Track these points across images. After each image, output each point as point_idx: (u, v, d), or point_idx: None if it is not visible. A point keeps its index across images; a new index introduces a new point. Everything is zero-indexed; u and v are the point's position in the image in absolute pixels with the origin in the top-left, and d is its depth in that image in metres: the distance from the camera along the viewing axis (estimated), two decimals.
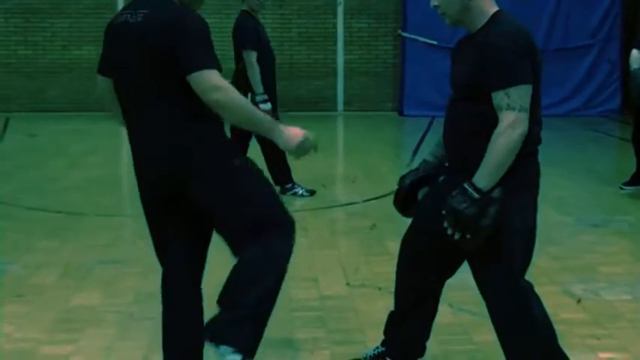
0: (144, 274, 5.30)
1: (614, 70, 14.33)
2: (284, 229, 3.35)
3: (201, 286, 3.60)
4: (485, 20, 3.32)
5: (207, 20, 3.45)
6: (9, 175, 9.02)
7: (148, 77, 3.29)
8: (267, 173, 3.72)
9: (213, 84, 3.17)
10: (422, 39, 14.09)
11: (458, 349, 4.24)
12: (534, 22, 12.96)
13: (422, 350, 3.84)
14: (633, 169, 7.92)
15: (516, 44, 3.22)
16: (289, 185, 7.79)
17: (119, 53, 3.39)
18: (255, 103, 7.10)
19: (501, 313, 3.43)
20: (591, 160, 10.17)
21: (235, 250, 3.33)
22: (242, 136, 6.64)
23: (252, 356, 3.24)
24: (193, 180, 3.31)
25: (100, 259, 5.77)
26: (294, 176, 7.84)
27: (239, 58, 7.44)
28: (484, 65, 3.23)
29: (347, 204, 7.49)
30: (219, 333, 3.21)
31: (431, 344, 3.88)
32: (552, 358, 3.46)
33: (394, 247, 3.80)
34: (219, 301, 3.26)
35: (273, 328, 4.49)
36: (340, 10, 14.63)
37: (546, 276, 5.26)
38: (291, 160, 7.35)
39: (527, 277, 3.42)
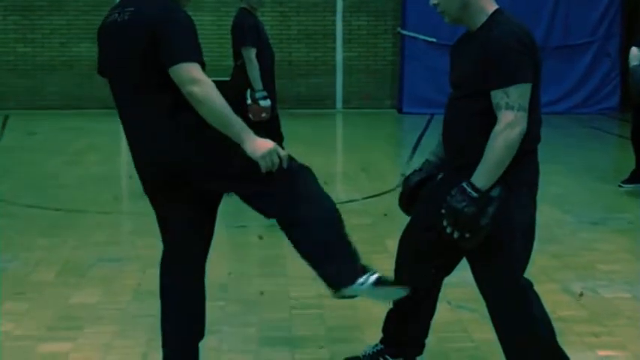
0: (143, 272, 5.31)
1: (614, 68, 14.33)
2: (296, 173, 3.40)
3: (204, 264, 3.62)
4: (485, 18, 3.32)
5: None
6: (8, 172, 9.02)
7: (139, 72, 3.31)
8: None
9: (192, 77, 3.19)
10: (421, 36, 14.09)
11: (456, 347, 4.24)
12: (534, 20, 12.94)
13: (421, 348, 3.84)
14: (632, 167, 7.92)
15: (518, 42, 3.21)
16: None
17: (112, 52, 3.42)
18: (255, 100, 7.11)
19: (500, 312, 3.43)
20: (590, 158, 10.17)
21: (276, 214, 3.42)
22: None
23: (362, 264, 3.38)
24: (193, 169, 3.34)
25: (99, 256, 5.77)
26: None
27: (238, 56, 7.43)
28: (484, 63, 3.23)
29: (346, 201, 7.48)
30: (343, 280, 3.32)
31: (430, 342, 3.89)
32: (551, 356, 3.46)
33: (393, 245, 3.80)
34: (320, 266, 3.37)
35: (273, 327, 4.51)
36: (339, 7, 14.63)
37: (545, 274, 5.26)
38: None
39: (526, 275, 3.42)
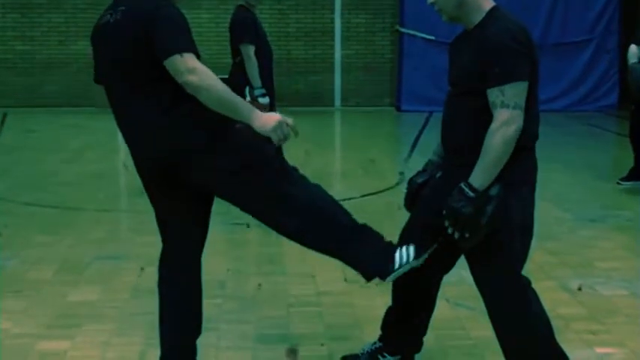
0: (141, 270, 5.31)
1: (612, 65, 14.34)
2: (285, 172, 3.47)
3: (200, 260, 3.62)
4: (482, 16, 3.31)
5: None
6: (6, 170, 9.02)
7: (135, 70, 3.31)
8: None
9: (188, 67, 3.18)
10: (419, 34, 14.09)
11: (455, 344, 4.24)
12: (532, 17, 12.96)
13: (419, 346, 3.84)
14: (631, 165, 7.93)
15: (515, 40, 3.21)
16: None
17: (107, 53, 3.42)
18: (254, 98, 7.11)
19: (499, 310, 3.43)
20: (589, 156, 10.18)
21: (275, 222, 3.45)
22: None
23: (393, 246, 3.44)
24: (193, 163, 3.33)
25: (98, 254, 5.77)
26: None
27: (236, 53, 7.43)
28: (480, 61, 3.23)
29: (345, 199, 7.48)
30: (379, 268, 3.39)
31: (428, 339, 3.89)
32: (550, 354, 3.46)
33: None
34: (359, 268, 3.44)
35: (271, 324, 4.51)
36: (338, 5, 14.62)
37: (543, 271, 5.27)
38: (289, 156, 7.33)
39: (524, 272, 3.42)
